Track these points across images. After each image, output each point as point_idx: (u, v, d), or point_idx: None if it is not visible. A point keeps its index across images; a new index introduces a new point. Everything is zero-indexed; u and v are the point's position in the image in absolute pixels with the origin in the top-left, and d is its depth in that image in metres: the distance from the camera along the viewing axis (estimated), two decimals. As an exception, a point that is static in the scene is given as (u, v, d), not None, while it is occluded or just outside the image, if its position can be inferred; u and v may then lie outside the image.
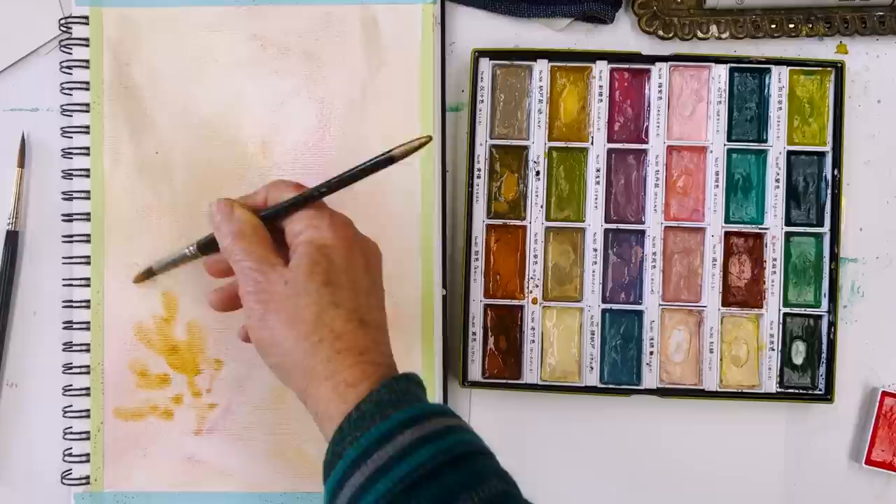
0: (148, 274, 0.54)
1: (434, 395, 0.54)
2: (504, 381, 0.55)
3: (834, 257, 0.54)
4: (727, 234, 0.55)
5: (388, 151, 0.44)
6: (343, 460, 0.37)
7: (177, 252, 0.51)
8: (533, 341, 0.55)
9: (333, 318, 0.41)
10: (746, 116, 0.55)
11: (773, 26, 0.55)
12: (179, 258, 0.51)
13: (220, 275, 0.48)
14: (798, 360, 0.55)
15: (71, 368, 0.55)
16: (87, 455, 0.54)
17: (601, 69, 0.55)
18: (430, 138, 0.44)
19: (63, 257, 0.55)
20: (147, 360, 0.55)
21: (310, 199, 0.45)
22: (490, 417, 0.56)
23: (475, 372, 0.55)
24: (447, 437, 0.37)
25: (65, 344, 0.55)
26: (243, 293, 0.43)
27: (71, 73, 0.55)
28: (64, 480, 0.55)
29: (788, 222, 0.55)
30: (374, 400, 0.39)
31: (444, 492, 0.36)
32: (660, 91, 0.55)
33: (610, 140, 0.55)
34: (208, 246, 0.48)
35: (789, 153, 0.55)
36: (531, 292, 0.55)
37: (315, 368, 0.40)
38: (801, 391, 0.55)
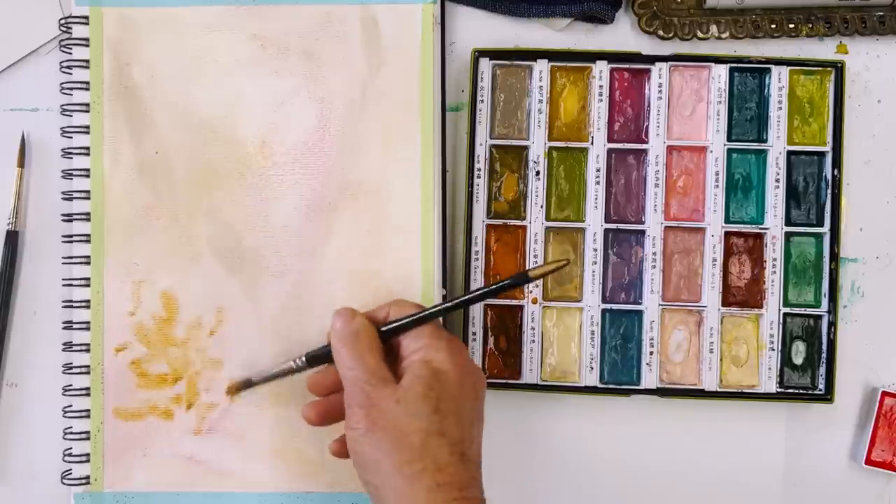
0: (246, 385, 0.53)
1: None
2: (504, 381, 0.55)
3: (834, 257, 0.54)
4: (727, 234, 0.55)
5: (526, 272, 0.45)
6: None
7: (281, 364, 0.50)
8: (533, 341, 0.55)
9: (438, 447, 0.41)
10: (746, 116, 0.55)
11: (773, 26, 0.55)
12: (284, 370, 0.50)
13: (324, 392, 0.47)
14: (798, 360, 0.55)
15: (71, 368, 0.55)
16: (87, 455, 0.54)
17: (601, 69, 0.55)
18: (568, 262, 0.45)
19: (63, 257, 0.55)
20: (147, 360, 0.55)
21: (431, 317, 0.45)
22: (490, 417, 0.56)
23: (475, 372, 0.55)
24: None
25: (65, 344, 0.55)
26: (350, 404, 0.43)
27: (71, 73, 0.55)
28: (64, 480, 0.55)
29: (788, 222, 0.55)
30: None
31: None
32: (660, 91, 0.55)
33: (610, 140, 0.55)
34: (317, 359, 0.48)
35: (789, 153, 0.55)
36: (531, 292, 0.55)
37: (413, 498, 0.40)
38: (800, 391, 0.55)
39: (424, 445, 0.41)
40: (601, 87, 0.55)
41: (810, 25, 0.55)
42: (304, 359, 0.48)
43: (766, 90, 0.55)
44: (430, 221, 0.54)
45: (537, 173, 0.55)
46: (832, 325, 0.54)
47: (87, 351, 0.54)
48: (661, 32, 0.55)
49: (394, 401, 0.42)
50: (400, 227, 0.54)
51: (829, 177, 0.55)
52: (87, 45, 0.55)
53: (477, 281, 0.55)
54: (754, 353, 0.55)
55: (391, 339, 0.46)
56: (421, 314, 0.45)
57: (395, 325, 0.45)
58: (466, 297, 0.46)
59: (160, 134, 0.55)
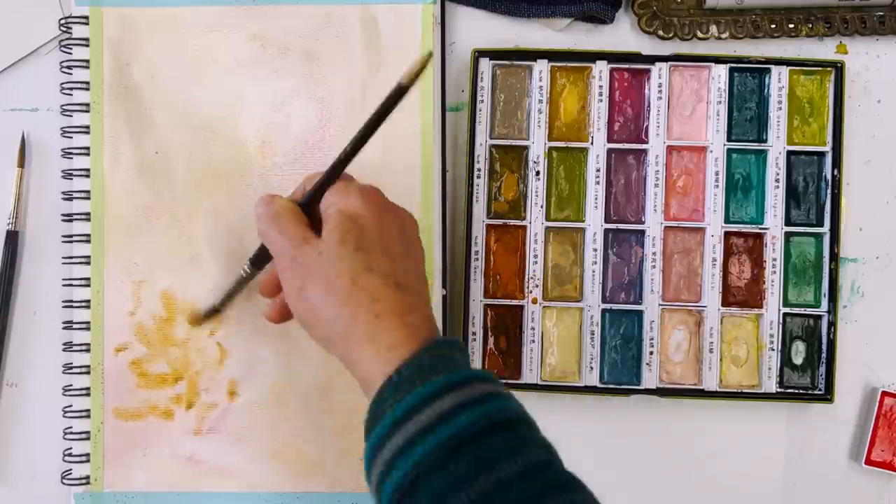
0: (212, 312, 0.52)
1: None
2: (504, 381, 0.55)
3: (834, 257, 0.54)
4: (727, 234, 0.55)
5: (397, 83, 0.43)
6: (383, 422, 0.37)
7: (232, 278, 0.50)
8: (533, 341, 0.55)
9: (368, 282, 0.41)
10: (746, 116, 0.55)
11: (773, 26, 0.55)
12: (237, 282, 0.50)
13: (275, 292, 0.47)
14: (798, 360, 0.55)
15: (71, 368, 0.55)
16: (87, 455, 0.54)
17: (601, 69, 0.55)
18: (430, 54, 0.42)
19: (63, 257, 0.55)
20: (147, 360, 0.55)
21: (336, 170, 0.45)
22: (490, 417, 0.56)
23: (475, 372, 0.55)
24: (489, 404, 0.37)
25: (65, 344, 0.55)
26: (281, 273, 0.43)
27: (71, 73, 0.55)
28: (64, 480, 0.55)
29: (788, 222, 0.55)
30: (416, 364, 0.39)
31: (485, 456, 0.36)
32: (660, 91, 0.55)
33: (610, 140, 0.55)
34: (260, 258, 0.48)
35: (789, 153, 0.55)
36: (531, 292, 0.55)
37: (356, 334, 0.40)
38: (800, 391, 0.55)
39: (354, 283, 0.41)
40: (601, 87, 0.55)
41: (810, 25, 0.55)
42: (248, 263, 0.48)
43: (765, 90, 0.55)
44: (430, 221, 0.54)
45: (537, 173, 0.55)
46: (832, 325, 0.54)
47: (87, 351, 0.54)
48: (661, 32, 0.55)
49: (316, 254, 0.42)
50: (400, 227, 0.54)
51: (829, 177, 0.55)
52: (87, 45, 0.55)
53: (477, 281, 0.55)
54: (754, 353, 0.55)
55: (313, 211, 0.45)
56: (326, 172, 0.45)
57: (308, 194, 0.45)
58: (359, 134, 0.44)
59: (160, 134, 0.55)
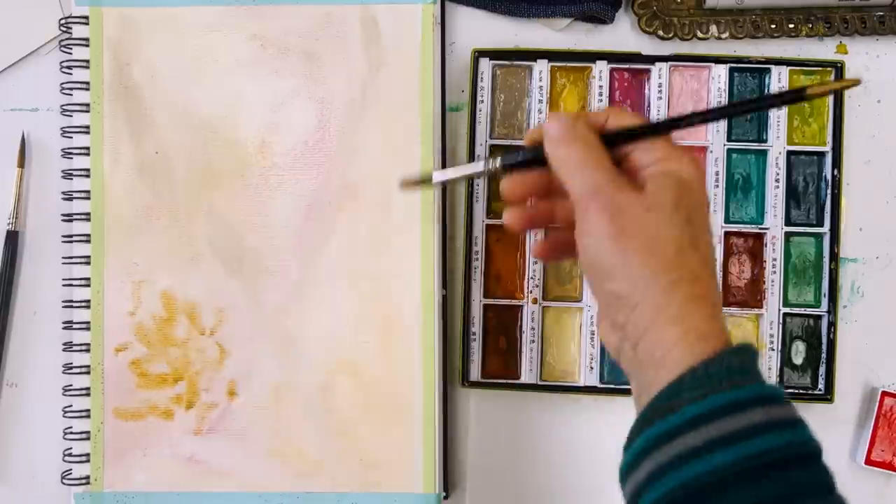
0: (424, 180, 0.44)
1: (434, 395, 0.54)
2: (504, 380, 0.55)
3: (834, 257, 0.54)
4: (727, 234, 0.55)
5: (803, 88, 0.39)
6: (678, 415, 0.34)
7: (468, 166, 0.43)
8: (533, 341, 0.55)
9: (692, 259, 0.37)
10: (746, 116, 0.55)
11: (773, 26, 0.55)
12: (470, 172, 0.43)
13: (519, 198, 0.42)
14: (798, 360, 0.55)
15: (71, 368, 0.55)
16: (87, 455, 0.54)
17: (601, 69, 0.55)
18: (857, 82, 0.39)
19: (63, 257, 0.55)
20: (147, 360, 0.55)
21: (668, 125, 0.40)
22: (490, 417, 0.56)
23: (475, 372, 0.55)
24: (800, 430, 0.34)
25: (65, 344, 0.55)
26: (587, 209, 0.38)
27: (71, 73, 0.55)
28: (64, 480, 0.55)
29: (788, 222, 0.55)
30: (724, 364, 0.35)
31: (789, 489, 0.32)
32: (660, 91, 0.55)
33: (610, 140, 0.55)
34: (517, 165, 0.41)
35: (789, 153, 0.55)
36: (531, 292, 0.55)
37: (664, 308, 0.36)
38: (801, 391, 0.55)
39: (680, 255, 0.37)
40: (601, 87, 0.55)
41: (810, 25, 0.55)
42: (498, 163, 0.41)
43: (765, 90, 0.55)
44: (429, 221, 0.54)
45: (537, 173, 0.55)
46: (832, 325, 0.54)
47: (87, 351, 0.55)
48: (661, 32, 0.55)
49: (643, 208, 0.37)
50: (400, 227, 0.54)
51: (829, 177, 0.55)
52: (87, 45, 0.55)
53: (477, 281, 0.55)
54: (754, 353, 0.55)
55: (612, 150, 0.40)
56: (660, 123, 0.40)
57: (620, 129, 0.40)
58: (724, 107, 0.41)
59: (160, 134, 0.55)
